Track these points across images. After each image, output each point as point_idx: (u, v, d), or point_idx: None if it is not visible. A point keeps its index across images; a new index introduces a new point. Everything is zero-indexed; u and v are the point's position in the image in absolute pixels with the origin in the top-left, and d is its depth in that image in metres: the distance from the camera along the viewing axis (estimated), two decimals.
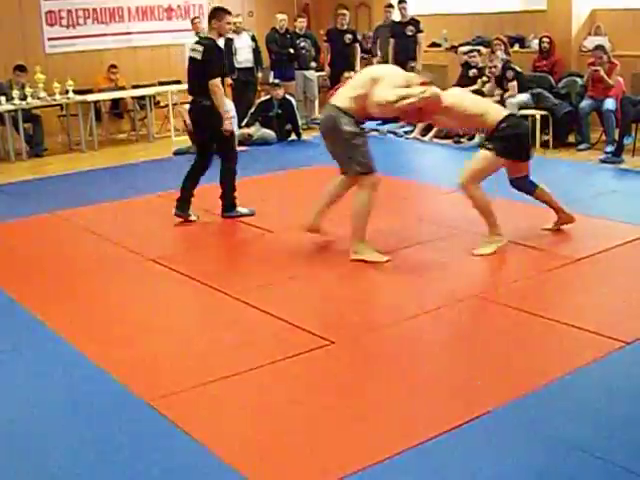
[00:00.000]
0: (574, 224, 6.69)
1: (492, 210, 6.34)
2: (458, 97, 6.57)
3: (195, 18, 13.37)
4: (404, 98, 6.01)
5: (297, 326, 4.96)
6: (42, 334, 5.10)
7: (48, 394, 4.33)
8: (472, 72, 11.74)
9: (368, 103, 6.07)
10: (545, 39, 11.74)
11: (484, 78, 11.38)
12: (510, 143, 6.30)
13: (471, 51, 12.02)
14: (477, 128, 7.26)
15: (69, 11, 13.90)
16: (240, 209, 7.66)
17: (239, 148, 8.27)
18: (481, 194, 6.36)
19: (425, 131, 11.76)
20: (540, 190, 6.64)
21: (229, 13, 7.53)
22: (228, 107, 7.88)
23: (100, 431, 3.88)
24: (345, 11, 13.37)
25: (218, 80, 7.28)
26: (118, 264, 6.25)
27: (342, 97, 6.27)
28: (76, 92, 12.01)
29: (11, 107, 11.49)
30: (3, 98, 11.49)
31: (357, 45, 13.24)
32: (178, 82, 13.77)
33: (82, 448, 3.75)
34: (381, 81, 6.07)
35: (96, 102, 12.79)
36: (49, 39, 13.74)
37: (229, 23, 7.58)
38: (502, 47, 11.61)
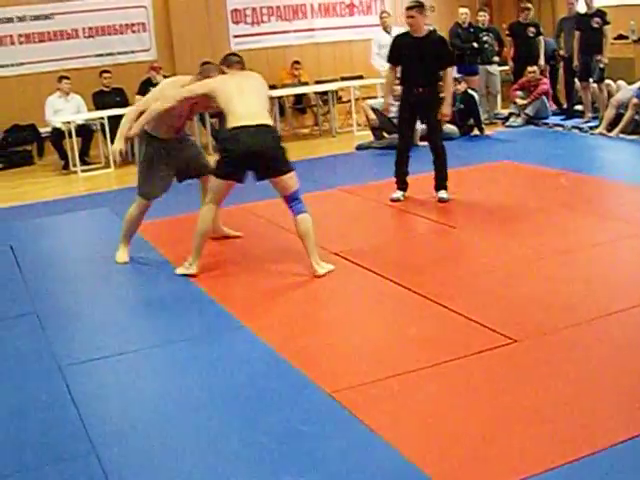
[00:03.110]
0: None
1: (200, 239, 6.12)
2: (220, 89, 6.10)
3: (383, 13, 13.39)
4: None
5: (479, 323, 4.89)
6: (227, 323, 5.25)
7: (230, 381, 4.43)
8: None
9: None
10: None
11: None
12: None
13: None
14: None
15: (254, 9, 14.26)
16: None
17: (420, 143, 8.30)
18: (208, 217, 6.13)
19: (611, 126, 11.42)
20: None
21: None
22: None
23: (281, 419, 3.94)
24: (529, 4, 13.13)
25: None
26: (301, 257, 6.32)
27: None
28: None
29: None
30: None
31: (541, 38, 12.97)
32: (360, 77, 13.90)
33: (262, 434, 3.80)
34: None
35: (280, 97, 13.05)
36: (234, 36, 14.12)
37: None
38: None
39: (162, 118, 6.28)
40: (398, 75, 8.09)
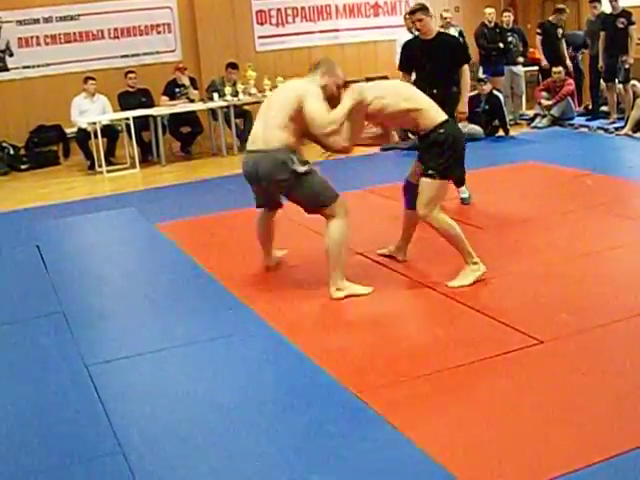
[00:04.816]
0: None
1: (460, 235, 5.64)
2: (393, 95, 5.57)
3: (407, 14, 13.32)
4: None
5: (505, 324, 4.88)
6: (253, 322, 5.25)
7: (257, 381, 4.44)
8: None
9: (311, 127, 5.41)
10: None
11: None
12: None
13: None
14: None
15: (279, 10, 14.28)
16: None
17: None
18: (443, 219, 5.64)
19: (637, 127, 11.34)
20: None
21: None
22: None
23: (308, 419, 3.94)
24: (564, 7, 13.07)
25: None
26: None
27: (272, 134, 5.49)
28: None
29: (223, 103, 11.96)
30: (216, 95, 12.03)
31: (564, 40, 12.93)
32: (385, 78, 13.85)
33: (289, 435, 3.82)
34: (308, 98, 5.39)
35: None
36: (259, 37, 14.15)
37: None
38: None
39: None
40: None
